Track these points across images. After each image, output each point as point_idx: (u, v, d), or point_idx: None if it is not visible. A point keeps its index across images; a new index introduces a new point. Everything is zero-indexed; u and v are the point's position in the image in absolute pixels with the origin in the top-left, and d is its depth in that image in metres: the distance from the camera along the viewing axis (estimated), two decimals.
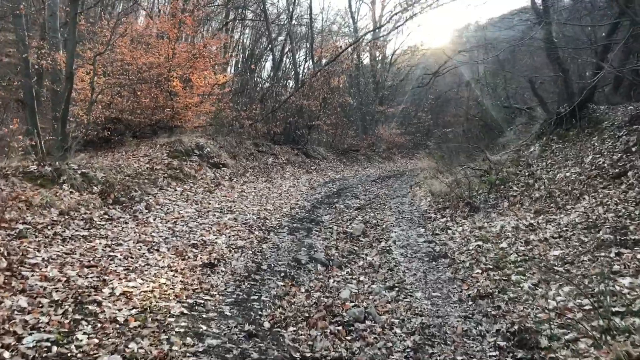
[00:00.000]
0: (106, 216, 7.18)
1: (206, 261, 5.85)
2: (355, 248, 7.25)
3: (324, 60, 23.84)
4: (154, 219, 7.56)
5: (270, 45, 24.97)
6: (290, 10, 25.08)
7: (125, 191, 8.46)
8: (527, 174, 9.62)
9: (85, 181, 7.96)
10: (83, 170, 8.21)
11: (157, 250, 6.09)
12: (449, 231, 7.86)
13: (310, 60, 26.45)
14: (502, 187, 9.12)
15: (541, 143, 11.00)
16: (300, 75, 26.79)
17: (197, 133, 15.26)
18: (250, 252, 6.55)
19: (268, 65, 29.05)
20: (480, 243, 6.82)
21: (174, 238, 6.75)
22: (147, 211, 7.87)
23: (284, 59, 27.59)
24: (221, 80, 16.91)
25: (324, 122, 21.54)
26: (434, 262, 6.56)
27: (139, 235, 6.61)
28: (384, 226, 8.71)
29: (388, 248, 7.23)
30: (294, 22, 26.93)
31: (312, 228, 8.32)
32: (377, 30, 28.82)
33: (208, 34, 21.37)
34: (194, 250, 6.29)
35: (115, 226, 6.88)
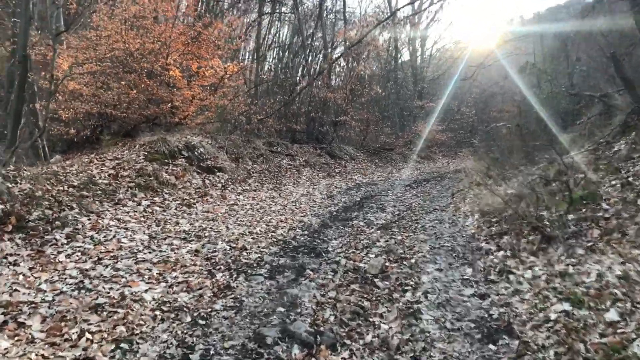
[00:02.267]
0: None
1: (93, 347, 3.38)
2: (365, 303, 4.62)
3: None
4: (69, 255, 5.14)
5: (302, 42, 22.67)
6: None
7: (54, 209, 6.12)
8: (618, 183, 6.78)
9: None
10: None
11: (17, 323, 3.65)
12: (512, 277, 5.11)
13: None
14: (586, 204, 6.29)
15: (629, 140, 8.15)
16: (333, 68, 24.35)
17: (196, 131, 12.92)
18: (187, 319, 4.04)
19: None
20: (568, 307, 4.10)
21: (75, 292, 4.31)
22: (66, 241, 5.47)
23: (317, 54, 25.34)
24: (230, 69, 14.53)
25: (352, 118, 18.86)
26: (490, 345, 3.89)
27: (13, 289, 4.19)
28: (413, 260, 6.03)
29: (416, 307, 4.58)
30: (329, 16, 24.61)
31: (307, 264, 5.73)
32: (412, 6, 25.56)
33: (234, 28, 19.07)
34: (90, 318, 3.83)
35: None
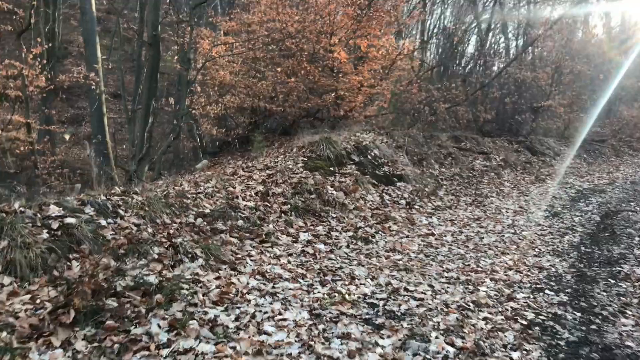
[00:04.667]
0: None
1: None
2: None
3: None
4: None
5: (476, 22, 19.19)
6: None
7: (164, 263, 3.84)
8: None
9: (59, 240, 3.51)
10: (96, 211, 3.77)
11: None
12: None
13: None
14: None
15: None
16: (513, 48, 20.37)
17: (366, 126, 10.30)
18: None
19: (470, 49, 23.10)
20: None
21: None
22: (167, 338, 3.09)
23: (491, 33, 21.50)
24: (408, 47, 11.68)
25: (558, 103, 14.79)
26: None
27: None
28: None
29: None
30: None
31: None
32: None
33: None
34: None
35: None
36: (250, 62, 10.01)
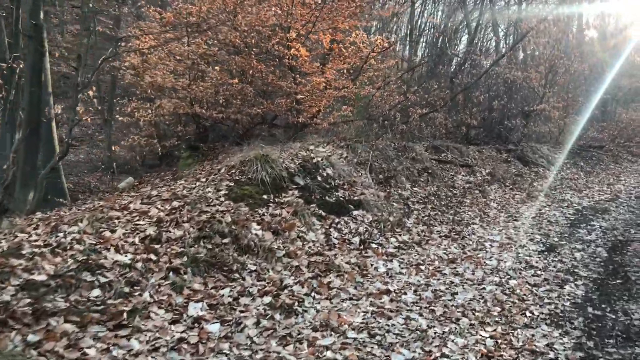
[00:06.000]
0: None
1: None
2: None
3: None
4: None
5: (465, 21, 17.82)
6: None
7: None
8: None
9: None
10: None
11: None
12: None
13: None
14: None
15: None
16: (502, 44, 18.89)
17: (326, 137, 8.68)
18: None
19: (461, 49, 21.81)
20: None
21: None
22: None
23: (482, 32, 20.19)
24: (380, 44, 10.04)
25: (552, 106, 13.16)
26: None
27: None
28: None
29: None
30: None
31: None
32: None
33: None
34: None
35: None
36: (187, 60, 8.32)
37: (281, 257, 4.72)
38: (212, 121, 8.99)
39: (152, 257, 4.09)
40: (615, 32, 23.87)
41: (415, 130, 9.71)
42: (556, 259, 6.05)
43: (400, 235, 6.17)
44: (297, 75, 8.98)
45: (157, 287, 3.79)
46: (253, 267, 4.46)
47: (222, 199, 5.30)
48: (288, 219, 5.30)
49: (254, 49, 8.67)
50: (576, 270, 5.62)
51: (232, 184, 5.60)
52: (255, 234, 4.82)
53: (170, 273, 3.97)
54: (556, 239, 6.97)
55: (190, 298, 3.80)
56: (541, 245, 6.66)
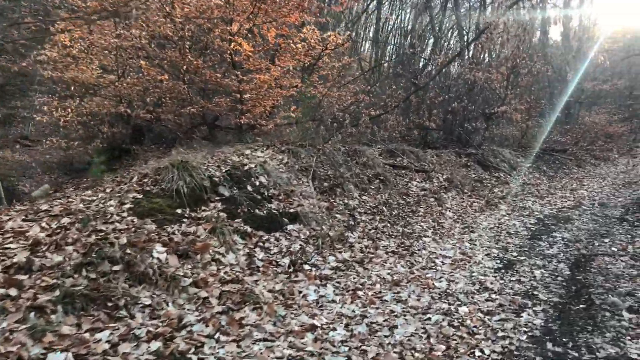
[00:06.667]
0: None
1: None
2: None
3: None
4: None
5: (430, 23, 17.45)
6: None
7: None
8: None
9: None
10: None
11: None
12: None
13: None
14: None
15: None
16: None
17: (265, 141, 7.90)
18: None
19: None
20: None
21: None
22: None
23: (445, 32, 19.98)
24: (333, 40, 9.32)
25: (514, 108, 12.65)
26: None
27: None
28: None
29: None
30: None
31: None
32: None
33: None
34: None
35: None
36: (112, 53, 7.43)
37: (187, 286, 3.91)
38: (142, 122, 8.11)
39: (13, 292, 3.25)
40: (579, 35, 23.79)
41: (368, 133, 9.00)
42: (514, 279, 5.42)
43: (340, 252, 5.43)
44: (239, 73, 8.20)
45: (7, 333, 2.95)
46: (147, 301, 3.65)
47: (125, 214, 4.47)
48: (203, 237, 4.50)
49: (188, 42, 7.83)
50: (535, 293, 4.99)
51: (141, 196, 4.78)
52: (157, 259, 4.01)
53: (32, 314, 3.13)
54: (515, 254, 6.37)
55: (52, 347, 2.98)
56: (498, 261, 6.04)
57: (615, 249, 6.73)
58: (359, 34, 21.37)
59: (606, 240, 7.20)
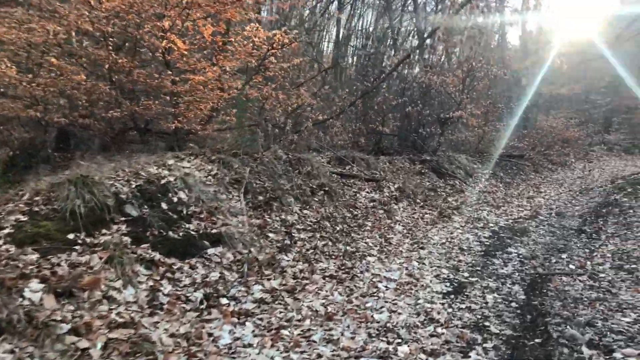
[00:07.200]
0: None
1: None
2: None
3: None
4: None
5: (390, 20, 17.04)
6: None
7: None
8: None
9: None
10: None
11: None
12: None
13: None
14: None
15: None
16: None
17: (192, 150, 7.16)
18: None
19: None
20: None
21: None
22: None
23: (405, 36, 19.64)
24: (279, 39, 8.64)
25: (470, 113, 12.26)
26: None
27: None
28: None
29: None
30: None
31: None
32: None
33: None
34: None
35: None
36: (21, 49, 6.58)
37: (63, 334, 3.18)
38: (65, 126, 7.28)
39: None
40: (537, 38, 23.85)
41: (313, 139, 8.37)
42: (463, 306, 4.86)
43: (269, 279, 4.77)
44: (172, 73, 7.46)
45: None
46: (7, 358, 2.91)
47: (1, 242, 3.70)
48: (97, 269, 3.77)
49: (114, 39, 7.05)
50: (487, 324, 4.43)
51: (26, 218, 4.01)
52: (29, 300, 3.27)
53: None
54: (466, 274, 5.83)
55: None
56: (447, 284, 5.49)
57: (573, 266, 6.29)
58: (322, 35, 20.83)
59: (564, 255, 6.77)
